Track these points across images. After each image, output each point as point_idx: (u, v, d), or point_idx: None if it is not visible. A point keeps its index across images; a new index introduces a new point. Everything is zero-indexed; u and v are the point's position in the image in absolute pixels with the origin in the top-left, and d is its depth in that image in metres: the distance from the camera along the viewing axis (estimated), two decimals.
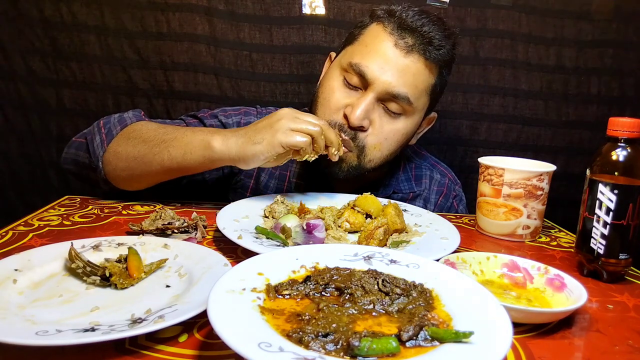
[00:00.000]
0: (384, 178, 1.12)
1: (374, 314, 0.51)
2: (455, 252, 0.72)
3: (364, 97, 0.92)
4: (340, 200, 0.96)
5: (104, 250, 0.68)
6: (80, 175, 0.99)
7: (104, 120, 0.96)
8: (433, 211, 1.12)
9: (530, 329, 0.57)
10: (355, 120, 0.91)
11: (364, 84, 0.93)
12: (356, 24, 1.01)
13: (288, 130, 0.80)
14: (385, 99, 0.93)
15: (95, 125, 0.95)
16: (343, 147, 0.89)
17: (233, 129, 0.89)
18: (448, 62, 0.97)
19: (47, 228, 0.80)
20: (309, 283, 0.54)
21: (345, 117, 0.94)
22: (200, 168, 0.88)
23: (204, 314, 0.47)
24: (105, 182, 0.93)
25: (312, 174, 1.06)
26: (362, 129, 0.94)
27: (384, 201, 0.89)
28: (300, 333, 0.43)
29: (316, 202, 0.95)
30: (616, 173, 0.71)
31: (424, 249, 0.75)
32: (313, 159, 0.86)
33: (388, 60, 0.91)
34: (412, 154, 1.18)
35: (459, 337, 0.44)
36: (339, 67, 0.97)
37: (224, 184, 1.09)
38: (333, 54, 1.06)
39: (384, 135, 0.95)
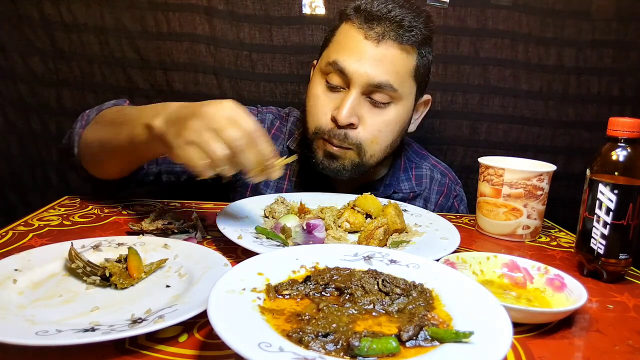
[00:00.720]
0: (385, 177, 1.12)
1: (374, 314, 0.51)
2: (455, 252, 0.72)
3: (348, 95, 0.92)
4: (340, 200, 0.96)
5: (104, 250, 0.68)
6: (71, 165, 0.97)
7: (89, 109, 0.95)
8: (434, 211, 1.12)
9: (530, 329, 0.57)
10: (343, 119, 0.91)
11: (346, 81, 0.93)
12: (329, 28, 1.02)
13: (188, 143, 0.64)
14: (370, 92, 0.93)
15: (80, 115, 0.94)
16: (272, 170, 0.69)
17: (178, 104, 0.71)
18: (425, 41, 0.96)
19: (47, 228, 0.80)
20: (309, 283, 0.54)
21: (333, 120, 0.94)
22: (152, 154, 0.81)
23: (204, 314, 0.47)
24: (81, 169, 0.92)
25: (313, 172, 1.07)
26: (352, 126, 0.94)
27: (384, 201, 0.89)
28: (300, 333, 0.43)
29: (316, 202, 0.95)
30: (616, 173, 0.71)
31: (424, 249, 0.75)
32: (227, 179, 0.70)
33: (362, 53, 0.91)
34: (413, 154, 1.18)
35: (459, 337, 0.44)
36: (319, 72, 0.98)
37: (224, 183, 1.09)
38: (316, 62, 1.07)
39: (376, 127, 0.95)
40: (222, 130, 0.64)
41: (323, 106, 0.96)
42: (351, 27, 0.93)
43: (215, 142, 0.64)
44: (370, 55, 0.91)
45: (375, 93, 0.93)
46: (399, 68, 0.93)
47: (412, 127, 1.06)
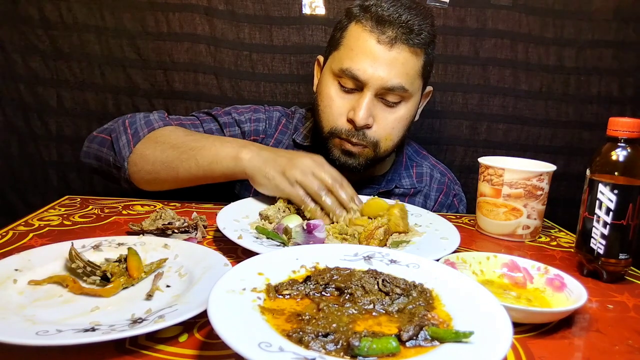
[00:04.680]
0: (387, 173, 1.14)
1: (374, 313, 0.51)
2: (455, 252, 0.72)
3: (362, 97, 0.95)
4: None
5: (104, 250, 0.68)
6: (101, 171, 1.01)
7: (130, 119, 0.97)
8: (433, 207, 1.13)
9: (530, 329, 0.57)
10: (361, 121, 0.95)
11: (359, 85, 0.96)
12: (336, 25, 1.03)
13: (295, 183, 0.83)
14: (382, 93, 0.96)
15: (121, 124, 0.97)
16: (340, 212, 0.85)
17: (262, 146, 0.91)
18: (431, 41, 0.99)
19: (47, 228, 0.80)
20: (309, 283, 0.54)
21: (350, 120, 0.97)
22: (224, 178, 0.90)
23: (204, 314, 0.47)
24: (127, 182, 0.95)
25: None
26: (367, 127, 0.97)
27: (391, 201, 0.89)
28: (301, 333, 0.43)
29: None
30: (616, 173, 0.71)
31: (424, 249, 0.75)
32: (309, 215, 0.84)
33: (375, 57, 0.93)
34: (414, 153, 1.20)
35: (459, 337, 0.44)
36: (331, 73, 1.00)
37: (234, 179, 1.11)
38: (321, 58, 1.08)
39: (390, 126, 0.99)
40: (319, 174, 0.84)
41: (339, 107, 0.98)
42: (362, 30, 0.94)
43: (316, 182, 0.83)
44: (384, 59, 0.93)
45: (387, 94, 0.96)
46: (409, 70, 0.95)
47: (416, 117, 1.09)
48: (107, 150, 0.96)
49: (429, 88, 1.08)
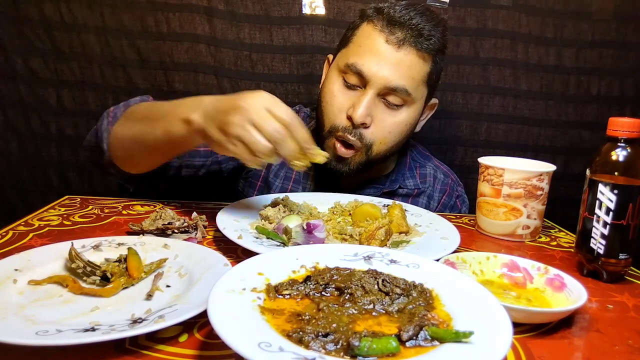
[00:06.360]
0: (391, 174, 1.14)
1: (374, 313, 0.51)
2: (455, 252, 0.72)
3: (364, 95, 0.95)
4: (344, 198, 0.96)
5: (104, 250, 0.68)
6: (95, 162, 0.99)
7: (114, 106, 0.96)
8: (436, 208, 1.14)
9: (530, 329, 0.57)
10: (359, 118, 0.94)
11: (363, 82, 0.95)
12: (348, 26, 1.03)
13: (234, 140, 0.69)
14: (385, 94, 0.96)
15: (106, 112, 0.96)
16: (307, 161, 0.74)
17: (210, 98, 0.76)
18: (440, 49, 0.99)
19: (47, 228, 0.80)
20: (309, 283, 0.54)
21: (349, 118, 0.96)
22: (189, 145, 0.83)
23: (204, 314, 0.47)
24: (111, 165, 0.93)
25: (321, 165, 1.07)
26: (364, 125, 0.96)
27: (388, 201, 0.89)
28: (301, 333, 0.43)
29: (319, 202, 0.95)
30: (616, 173, 0.71)
31: (424, 249, 0.75)
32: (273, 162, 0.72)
33: (382, 56, 0.93)
34: (417, 154, 1.20)
35: (459, 337, 0.44)
36: (337, 69, 1.00)
37: (238, 175, 1.10)
38: (331, 57, 1.08)
39: (387, 129, 0.98)
40: (262, 123, 0.68)
41: (340, 104, 0.98)
42: (373, 30, 0.95)
43: (258, 137, 0.68)
44: (390, 59, 0.93)
45: (390, 95, 0.96)
46: (415, 73, 0.95)
47: (417, 128, 1.08)
48: (94, 139, 0.94)
49: (434, 100, 1.08)
